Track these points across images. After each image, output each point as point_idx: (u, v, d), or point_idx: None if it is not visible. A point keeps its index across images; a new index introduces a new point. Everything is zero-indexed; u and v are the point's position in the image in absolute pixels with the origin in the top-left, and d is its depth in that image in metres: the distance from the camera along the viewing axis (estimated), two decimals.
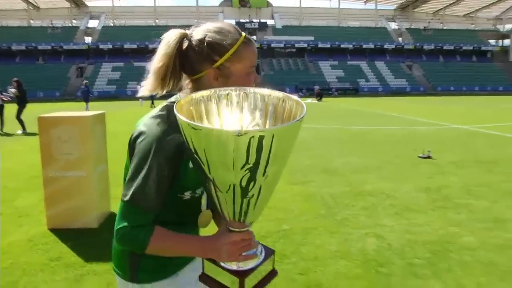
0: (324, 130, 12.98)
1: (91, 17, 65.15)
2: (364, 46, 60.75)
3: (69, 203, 4.42)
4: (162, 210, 1.20)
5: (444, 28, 68.64)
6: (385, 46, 61.96)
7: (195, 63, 1.19)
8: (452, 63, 61.84)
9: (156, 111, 1.23)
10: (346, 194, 5.62)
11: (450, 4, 66.99)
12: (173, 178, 1.18)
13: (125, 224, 1.14)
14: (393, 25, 68.34)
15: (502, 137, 11.33)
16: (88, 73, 52.41)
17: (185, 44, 1.20)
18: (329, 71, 56.49)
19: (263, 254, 1.18)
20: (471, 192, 5.72)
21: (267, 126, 1.07)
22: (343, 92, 50.25)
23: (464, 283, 3.15)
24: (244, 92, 1.10)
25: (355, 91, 51.74)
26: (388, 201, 5.26)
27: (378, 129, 13.56)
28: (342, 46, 60.40)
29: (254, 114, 1.09)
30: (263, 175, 0.94)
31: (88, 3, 65.73)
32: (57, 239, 4.12)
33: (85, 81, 27.87)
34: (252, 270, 1.13)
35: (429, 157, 8.08)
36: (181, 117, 0.93)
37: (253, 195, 0.98)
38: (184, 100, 1.05)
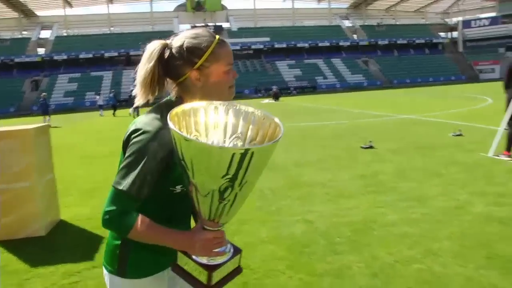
0: None
1: (43, 28, 63.06)
2: (320, 44, 61.82)
3: (16, 213, 4.54)
4: (155, 205, 1.35)
5: (397, 23, 70.94)
6: (341, 44, 63.35)
7: (178, 67, 1.33)
8: (406, 57, 64.00)
9: (150, 111, 1.36)
10: (284, 186, 5.98)
11: (401, 1, 69.40)
12: (164, 171, 1.30)
13: (113, 208, 1.25)
14: (347, 23, 69.98)
15: (443, 123, 12.05)
16: (44, 86, 50.76)
17: (167, 53, 1.34)
18: (287, 70, 57.22)
19: (231, 252, 1.32)
20: (403, 175, 6.20)
21: (248, 133, 1.21)
22: (302, 91, 51.03)
23: (378, 254, 3.54)
24: (230, 104, 1.24)
25: (313, 89, 52.62)
26: (324, 190, 5.65)
27: (327, 124, 14.08)
28: (298, 45, 61.19)
29: (238, 121, 1.22)
30: (240, 184, 1.08)
31: (38, 13, 63.73)
32: (3, 249, 4.21)
33: (43, 93, 27.24)
34: (220, 265, 1.27)
35: (371, 147, 8.58)
36: (173, 128, 1.06)
37: (229, 200, 1.13)
38: (176, 110, 1.17)
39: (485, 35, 64.36)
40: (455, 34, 70.94)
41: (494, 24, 64.18)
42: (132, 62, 58.37)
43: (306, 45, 61.57)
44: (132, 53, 55.38)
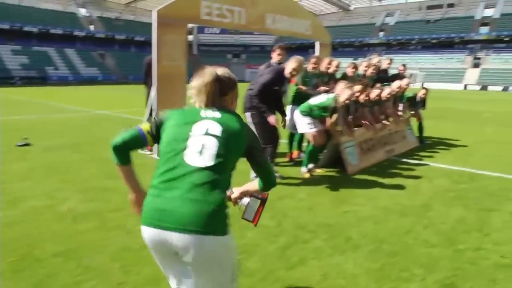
0: None
1: None
2: (52, 31, 56.81)
3: None
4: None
5: (136, 20, 72.02)
6: (75, 33, 59.97)
7: (226, 89, 2.01)
8: (143, 54, 65.56)
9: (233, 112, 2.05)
10: None
11: None
12: None
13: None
14: (83, 12, 66.75)
15: (128, 119, 12.81)
16: None
17: (217, 79, 1.98)
18: (11, 57, 50.53)
19: None
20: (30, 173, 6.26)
21: None
22: (29, 81, 46.02)
23: None
24: None
25: (43, 80, 48.25)
26: None
27: (14, 119, 13.06)
28: (26, 29, 54.62)
29: None
30: None
31: None
32: None
33: None
34: None
35: (27, 144, 8.31)
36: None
37: None
38: None
39: (216, 41, 72.40)
40: (190, 37, 77.10)
41: (223, 33, 72.78)
42: None
43: (36, 29, 55.54)
44: None
